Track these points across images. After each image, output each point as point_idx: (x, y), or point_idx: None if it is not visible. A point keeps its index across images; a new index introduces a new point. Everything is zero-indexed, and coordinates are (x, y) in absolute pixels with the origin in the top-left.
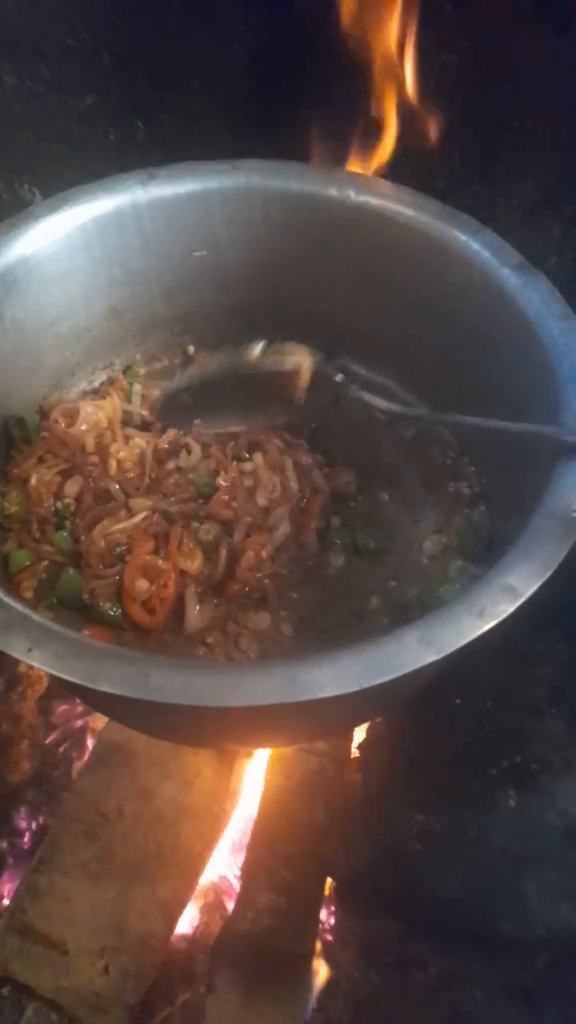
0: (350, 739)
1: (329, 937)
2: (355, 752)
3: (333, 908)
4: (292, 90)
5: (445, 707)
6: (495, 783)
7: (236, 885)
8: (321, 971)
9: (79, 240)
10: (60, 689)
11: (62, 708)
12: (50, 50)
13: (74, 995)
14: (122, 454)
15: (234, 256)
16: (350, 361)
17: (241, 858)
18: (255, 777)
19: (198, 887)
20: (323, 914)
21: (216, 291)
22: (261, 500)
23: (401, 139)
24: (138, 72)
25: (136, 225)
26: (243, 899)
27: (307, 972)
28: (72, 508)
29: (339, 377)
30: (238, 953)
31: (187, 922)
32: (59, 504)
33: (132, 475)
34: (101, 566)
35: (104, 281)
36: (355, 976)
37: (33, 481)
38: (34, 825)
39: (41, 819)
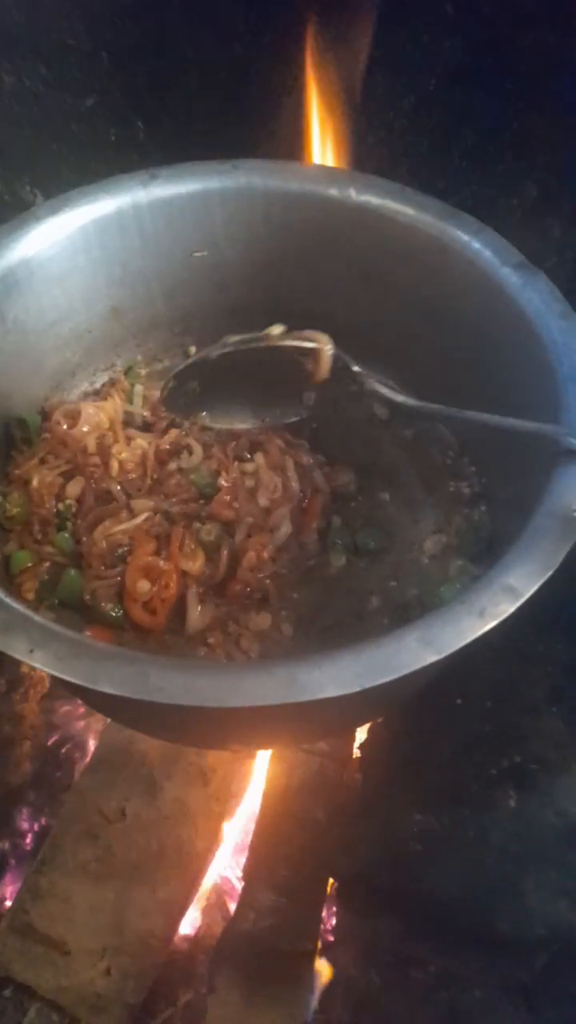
0: (351, 739)
1: (329, 937)
2: (355, 752)
3: (333, 908)
4: (291, 90)
5: (445, 707)
6: (495, 783)
7: (237, 885)
8: (322, 971)
9: (80, 241)
10: (62, 690)
11: (64, 709)
12: (50, 50)
13: (75, 995)
14: (124, 455)
15: (234, 256)
16: (350, 361)
17: (242, 858)
18: (256, 777)
19: (199, 887)
20: (324, 914)
21: (216, 291)
22: (262, 500)
23: (402, 139)
24: (138, 72)
25: (137, 226)
26: (244, 899)
27: (308, 972)
28: (73, 509)
29: (356, 367)
30: (239, 953)
31: (188, 922)
32: (60, 505)
33: (134, 476)
34: (102, 567)
35: (104, 282)
36: (355, 976)
37: (35, 482)
38: (36, 826)
39: (43, 820)
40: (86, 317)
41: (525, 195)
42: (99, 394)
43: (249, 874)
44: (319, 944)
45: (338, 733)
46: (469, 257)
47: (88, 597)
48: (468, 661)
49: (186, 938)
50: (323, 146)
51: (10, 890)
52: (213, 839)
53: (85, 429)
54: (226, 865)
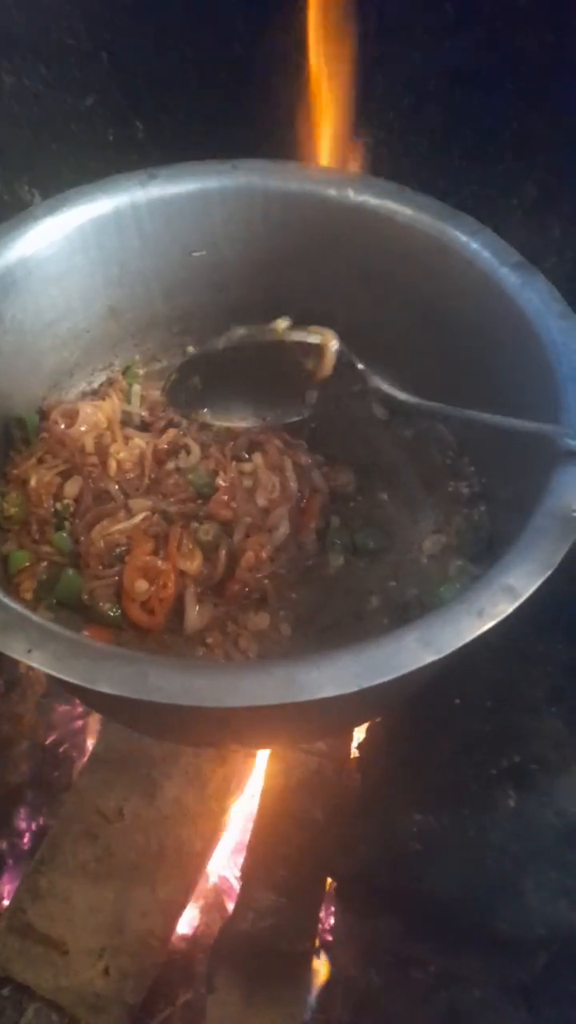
0: (350, 739)
1: (329, 937)
2: (355, 752)
3: (333, 908)
4: (292, 90)
5: (445, 707)
6: (494, 783)
7: (236, 885)
8: (321, 971)
9: (78, 241)
10: (60, 690)
11: (62, 709)
12: (50, 50)
13: (74, 995)
14: (121, 455)
15: (233, 256)
16: (354, 358)
17: (241, 858)
18: (255, 777)
19: (198, 887)
20: (323, 914)
21: (215, 291)
22: (261, 500)
23: (402, 139)
24: (138, 72)
25: (135, 226)
26: (243, 899)
27: (307, 972)
28: (71, 509)
29: (360, 365)
30: (238, 953)
31: (187, 922)
32: (58, 505)
33: (131, 476)
34: (100, 567)
35: (103, 281)
36: (355, 976)
37: (33, 482)
38: (34, 826)
39: (41, 820)
40: (84, 317)
41: (525, 195)
42: (97, 394)
43: (248, 874)
44: (318, 944)
45: (337, 733)
46: (468, 257)
47: (86, 597)
48: (467, 661)
49: (185, 938)
50: (322, 146)
51: (8, 889)
52: (212, 839)
53: (83, 429)
54: (225, 865)
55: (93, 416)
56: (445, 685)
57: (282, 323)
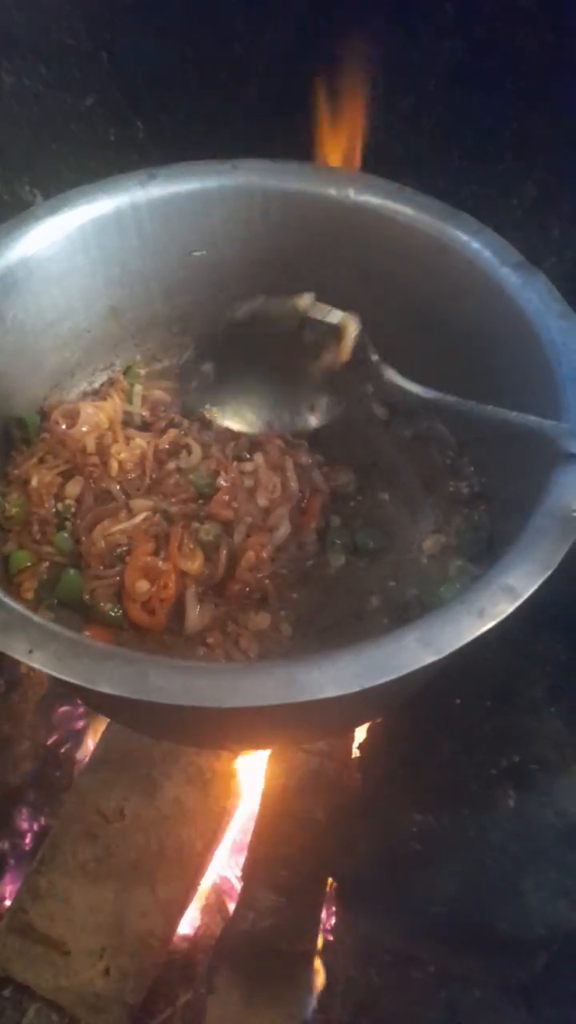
0: (350, 739)
1: (329, 937)
2: (355, 752)
3: (333, 908)
4: (292, 90)
5: (444, 707)
6: (494, 783)
7: (237, 885)
8: (321, 971)
9: (78, 241)
10: (61, 690)
11: (63, 709)
12: (49, 50)
13: (74, 995)
14: (123, 455)
15: (233, 256)
16: (371, 347)
17: (241, 858)
18: (255, 777)
19: (199, 887)
20: (323, 914)
21: (215, 291)
22: (261, 500)
23: (402, 139)
24: (138, 72)
25: (135, 226)
26: (243, 899)
27: (307, 972)
28: (73, 509)
29: (375, 356)
30: (238, 953)
31: (188, 922)
32: (60, 505)
33: (133, 476)
34: (101, 567)
35: (103, 281)
36: (355, 976)
37: (34, 482)
38: (35, 826)
39: (42, 820)
40: (85, 317)
41: (525, 195)
42: (98, 394)
43: (248, 874)
44: (319, 944)
45: (337, 733)
46: (468, 257)
47: (87, 597)
48: (467, 661)
49: (185, 938)
50: (322, 146)
51: (9, 890)
52: (212, 839)
53: (84, 429)
54: (225, 865)
55: (94, 416)
56: (445, 685)
57: (306, 297)
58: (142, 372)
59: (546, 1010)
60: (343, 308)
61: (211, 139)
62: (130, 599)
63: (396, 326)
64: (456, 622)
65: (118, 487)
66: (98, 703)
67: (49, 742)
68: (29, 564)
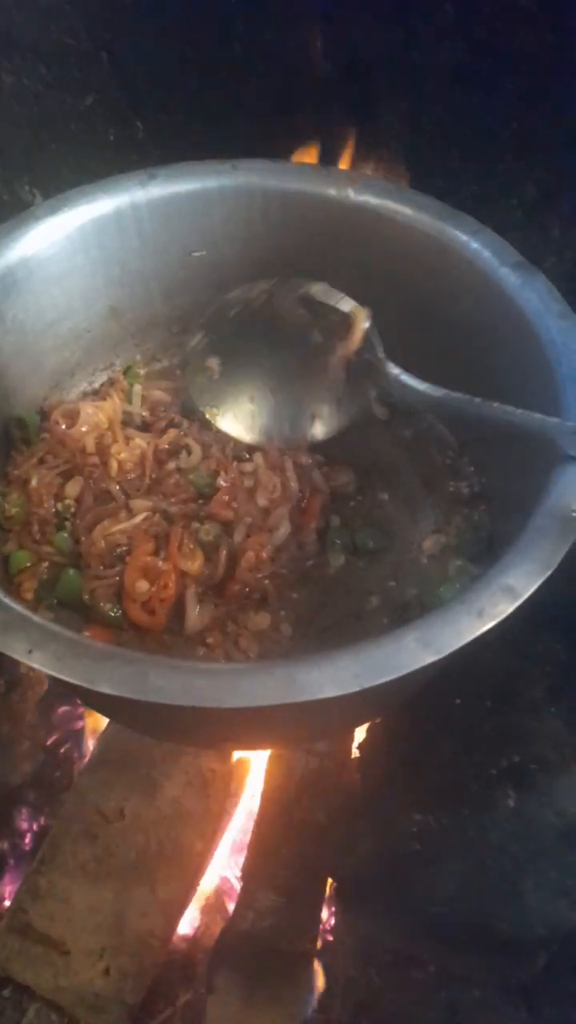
0: (350, 739)
1: (329, 937)
2: (355, 752)
3: (333, 908)
4: (292, 90)
5: (444, 707)
6: (494, 783)
7: (236, 885)
8: (321, 971)
9: (78, 241)
10: (61, 690)
11: (63, 709)
12: (49, 50)
13: (74, 995)
14: (122, 455)
15: (233, 256)
16: (377, 343)
17: (241, 858)
18: (255, 777)
19: (198, 887)
20: (323, 914)
21: (215, 291)
22: (261, 500)
23: (402, 139)
24: (138, 72)
25: (135, 226)
26: (243, 899)
27: (307, 972)
28: (72, 509)
29: (381, 352)
30: (238, 953)
31: (187, 922)
32: (59, 505)
33: (132, 476)
34: (101, 567)
35: (103, 281)
36: (355, 976)
37: (34, 482)
38: (35, 826)
39: (42, 820)
40: (85, 317)
41: (525, 195)
42: (98, 394)
43: (248, 874)
44: (318, 944)
45: (338, 734)
46: (468, 257)
47: (87, 597)
48: (467, 661)
49: (185, 938)
50: (322, 146)
51: (9, 890)
52: (212, 839)
53: (84, 429)
54: (225, 865)
55: (94, 416)
56: (445, 685)
57: (318, 286)
58: (142, 372)
59: (546, 1010)
60: None
61: (211, 139)
62: (130, 599)
63: (396, 326)
64: (456, 622)
65: (118, 487)
66: (98, 703)
67: (49, 742)
68: (29, 564)
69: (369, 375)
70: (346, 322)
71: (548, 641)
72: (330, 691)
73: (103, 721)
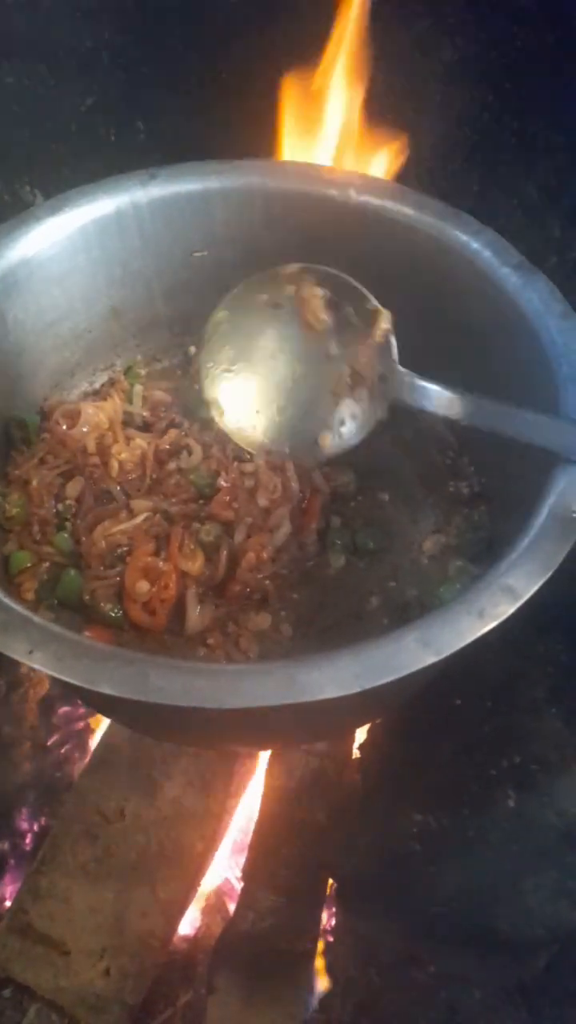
0: (350, 739)
1: (329, 937)
2: (355, 752)
3: (333, 908)
4: (292, 90)
5: (445, 707)
6: (494, 783)
7: (237, 886)
8: (321, 971)
9: (79, 241)
10: (61, 690)
11: (63, 709)
12: (50, 50)
13: (74, 995)
14: (123, 455)
15: (234, 256)
16: (392, 343)
17: (242, 858)
18: (255, 778)
19: (199, 888)
20: (323, 914)
21: (216, 291)
22: (262, 501)
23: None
24: (138, 72)
25: (136, 226)
26: (244, 899)
27: (307, 972)
28: (73, 509)
29: (395, 353)
30: (239, 953)
31: (188, 923)
32: (60, 505)
33: (133, 476)
34: (102, 567)
35: (104, 282)
36: (355, 976)
37: (34, 483)
38: (35, 826)
39: (43, 820)
40: (86, 317)
41: (525, 195)
42: (99, 394)
43: (248, 874)
44: (319, 944)
45: (338, 734)
46: (469, 257)
47: (87, 597)
48: (468, 662)
49: (185, 938)
50: (323, 146)
51: (10, 890)
52: (212, 839)
53: (84, 429)
54: (225, 865)
55: (94, 416)
56: (445, 685)
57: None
58: (143, 372)
59: (546, 1010)
60: None
61: (211, 139)
62: (130, 599)
63: (396, 326)
64: (456, 623)
65: (118, 487)
66: (98, 704)
67: (49, 742)
68: (29, 564)
69: (384, 392)
70: (369, 320)
71: (549, 642)
72: (330, 692)
73: (104, 722)
